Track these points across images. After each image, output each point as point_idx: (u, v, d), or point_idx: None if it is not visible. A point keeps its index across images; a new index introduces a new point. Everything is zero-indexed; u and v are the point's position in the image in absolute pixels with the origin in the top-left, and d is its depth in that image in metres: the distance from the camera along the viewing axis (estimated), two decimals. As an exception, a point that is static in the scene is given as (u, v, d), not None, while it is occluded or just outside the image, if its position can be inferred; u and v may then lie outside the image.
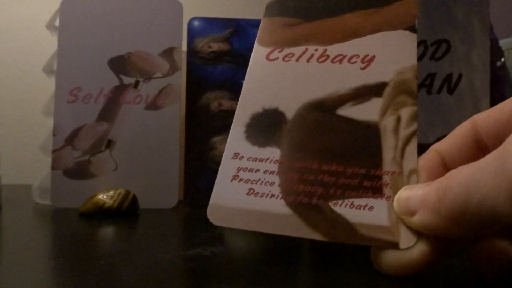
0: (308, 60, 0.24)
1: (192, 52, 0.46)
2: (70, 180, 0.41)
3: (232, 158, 0.23)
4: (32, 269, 0.21)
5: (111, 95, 0.43)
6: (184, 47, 0.45)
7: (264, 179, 0.22)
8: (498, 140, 0.19)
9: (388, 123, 0.22)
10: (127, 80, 0.43)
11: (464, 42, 0.39)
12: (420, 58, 0.40)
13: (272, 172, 0.22)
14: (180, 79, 0.44)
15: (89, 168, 0.42)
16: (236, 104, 0.24)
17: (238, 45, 0.46)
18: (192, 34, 0.46)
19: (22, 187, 0.55)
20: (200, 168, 0.44)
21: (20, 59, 0.70)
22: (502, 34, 0.46)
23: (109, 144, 0.42)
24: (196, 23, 0.46)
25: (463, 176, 0.16)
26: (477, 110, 0.37)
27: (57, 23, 0.44)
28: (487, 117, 0.20)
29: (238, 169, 0.22)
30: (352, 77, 0.23)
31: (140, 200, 0.39)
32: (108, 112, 0.42)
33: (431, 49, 0.39)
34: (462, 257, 0.23)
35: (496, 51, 0.40)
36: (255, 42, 0.26)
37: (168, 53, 0.43)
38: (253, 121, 0.23)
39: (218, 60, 0.46)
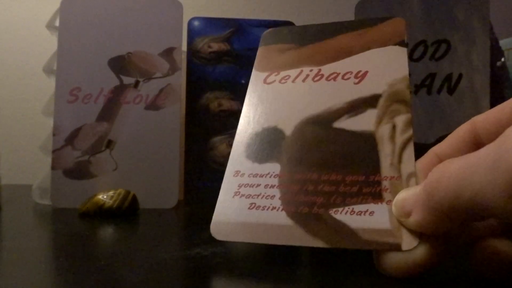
0: (303, 80, 0.25)
1: (192, 52, 0.46)
2: (70, 180, 0.41)
3: (234, 176, 0.23)
4: (32, 269, 0.21)
5: (111, 95, 0.43)
6: (184, 47, 0.45)
7: (265, 193, 0.22)
8: None
9: (384, 131, 0.22)
10: (127, 80, 0.43)
11: (464, 42, 0.39)
12: (420, 58, 0.40)
13: (272, 186, 0.22)
14: (180, 79, 0.44)
15: (89, 168, 0.42)
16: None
17: (238, 45, 0.46)
18: (192, 34, 0.46)
19: (22, 187, 0.55)
20: (200, 168, 0.44)
21: (20, 59, 0.70)
22: (502, 34, 0.46)
23: (109, 144, 0.42)
24: (196, 23, 0.46)
25: (454, 170, 0.16)
26: (477, 110, 0.37)
27: (57, 23, 0.44)
28: (487, 118, 0.20)
29: (239, 186, 0.23)
30: (346, 92, 0.24)
31: (140, 200, 0.39)
32: (108, 112, 0.42)
33: (431, 49, 0.39)
34: (462, 257, 0.23)
35: (496, 51, 0.40)
36: (253, 69, 0.27)
37: (168, 53, 0.43)
38: (252, 140, 0.24)
39: (218, 60, 0.46)
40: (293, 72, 0.26)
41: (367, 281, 0.19)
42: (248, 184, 0.23)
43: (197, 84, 0.45)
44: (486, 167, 0.15)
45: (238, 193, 0.23)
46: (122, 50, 0.43)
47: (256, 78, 0.27)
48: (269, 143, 0.24)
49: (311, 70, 0.25)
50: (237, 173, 0.23)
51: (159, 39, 0.44)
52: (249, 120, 0.25)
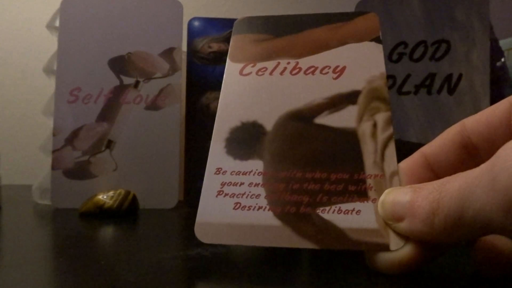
0: (281, 73, 0.25)
1: (192, 52, 0.46)
2: (70, 180, 0.41)
3: (215, 173, 0.23)
4: (32, 269, 0.21)
5: (111, 95, 0.43)
6: (184, 47, 0.45)
7: (250, 192, 0.22)
8: (490, 143, 0.20)
9: (365, 128, 0.22)
10: (127, 80, 0.43)
11: (464, 42, 0.39)
12: (420, 58, 0.40)
13: (257, 185, 0.22)
14: (180, 79, 0.44)
15: (89, 168, 0.42)
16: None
17: (238, 45, 0.46)
18: (192, 34, 0.46)
19: (22, 187, 0.55)
20: (200, 168, 0.44)
21: (20, 59, 0.71)
22: (502, 34, 0.46)
23: (109, 144, 0.42)
24: (196, 23, 0.46)
25: (455, 190, 0.17)
26: (477, 110, 0.37)
27: (57, 23, 0.44)
28: (478, 120, 0.20)
29: (222, 184, 0.22)
30: (326, 87, 0.24)
31: (140, 200, 0.39)
32: (108, 112, 0.42)
33: (431, 49, 0.39)
34: (462, 255, 0.23)
35: (496, 51, 0.40)
36: (227, 59, 0.26)
37: (168, 53, 0.43)
38: (232, 135, 0.24)
39: (218, 60, 0.46)
40: (270, 64, 0.25)
41: (367, 279, 0.19)
42: (231, 182, 0.22)
43: (197, 84, 0.45)
44: (484, 187, 0.15)
45: (221, 192, 0.22)
46: (122, 50, 0.43)
47: (231, 69, 0.26)
48: (249, 139, 0.23)
49: (288, 63, 0.25)
50: (218, 170, 0.23)
51: (159, 39, 0.44)
52: (227, 113, 0.24)
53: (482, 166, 0.16)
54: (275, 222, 0.21)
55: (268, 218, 0.21)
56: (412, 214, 0.18)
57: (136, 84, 0.43)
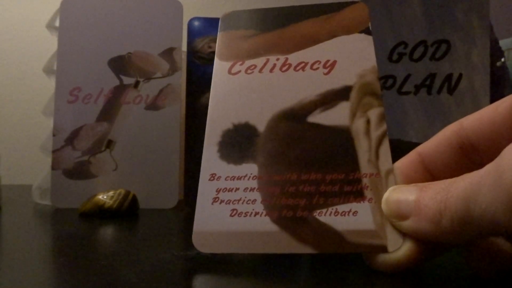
0: (271, 71, 0.24)
1: (192, 52, 0.46)
2: (70, 180, 0.41)
3: (209, 180, 0.22)
4: (32, 269, 0.21)
5: (111, 95, 0.43)
6: (184, 47, 0.45)
7: (245, 197, 0.21)
8: (493, 143, 0.19)
9: (359, 125, 0.22)
10: (127, 80, 0.43)
11: (464, 42, 0.39)
12: (420, 58, 0.40)
13: (252, 189, 0.22)
14: (180, 79, 0.44)
15: (89, 168, 0.42)
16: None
17: (238, 45, 0.46)
18: (192, 34, 0.46)
19: (22, 187, 0.55)
20: (200, 168, 0.44)
21: (20, 59, 0.70)
22: (502, 34, 0.46)
23: (109, 144, 0.42)
24: (196, 23, 0.46)
25: (462, 190, 0.16)
26: (477, 110, 0.37)
27: (57, 23, 0.44)
28: (479, 120, 0.20)
29: (218, 191, 0.22)
30: (317, 83, 0.23)
31: (140, 200, 0.39)
32: (108, 112, 0.42)
33: (431, 49, 0.39)
34: (462, 256, 0.23)
35: (496, 51, 0.40)
36: (215, 57, 0.25)
37: (168, 53, 0.43)
38: (224, 138, 0.23)
39: (218, 60, 0.46)
40: (259, 61, 0.25)
41: (367, 279, 0.19)
42: (226, 188, 0.22)
43: (197, 84, 0.45)
44: (489, 186, 0.15)
45: (217, 199, 0.22)
46: (122, 50, 0.43)
47: (220, 68, 0.25)
48: (242, 142, 0.23)
49: (277, 59, 0.24)
50: (212, 176, 0.22)
51: (159, 39, 0.44)
52: (218, 114, 0.24)
53: (488, 166, 0.16)
54: (273, 227, 0.21)
55: (265, 223, 0.21)
56: (418, 213, 0.18)
57: (136, 84, 0.43)
